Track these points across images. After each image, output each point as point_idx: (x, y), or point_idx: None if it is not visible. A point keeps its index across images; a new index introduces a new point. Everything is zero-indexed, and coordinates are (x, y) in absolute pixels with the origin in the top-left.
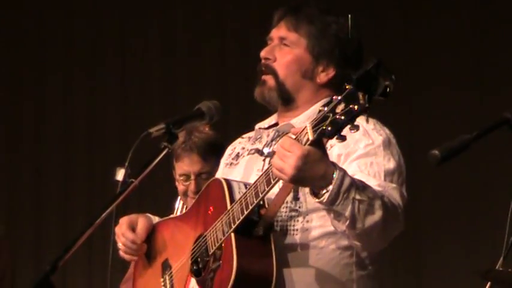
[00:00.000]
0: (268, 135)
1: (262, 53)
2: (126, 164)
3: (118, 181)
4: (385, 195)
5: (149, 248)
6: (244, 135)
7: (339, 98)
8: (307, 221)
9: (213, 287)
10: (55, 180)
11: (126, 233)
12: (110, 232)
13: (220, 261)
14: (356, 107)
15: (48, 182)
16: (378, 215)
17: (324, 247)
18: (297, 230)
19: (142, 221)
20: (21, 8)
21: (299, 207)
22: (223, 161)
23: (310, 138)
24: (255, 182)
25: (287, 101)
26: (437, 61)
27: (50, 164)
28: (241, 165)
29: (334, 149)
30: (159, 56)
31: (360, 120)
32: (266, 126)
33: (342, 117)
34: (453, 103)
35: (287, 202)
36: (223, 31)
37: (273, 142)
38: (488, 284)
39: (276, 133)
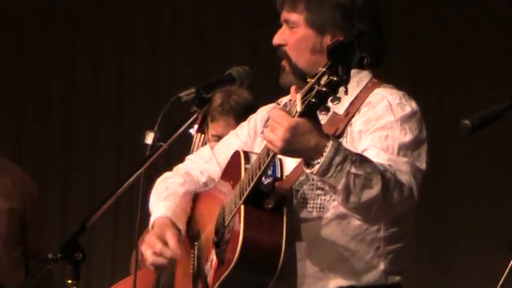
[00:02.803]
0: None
1: (274, 41)
2: (156, 127)
3: (147, 144)
4: (390, 170)
5: (188, 222)
6: (278, 101)
7: (323, 69)
8: (334, 200)
9: (225, 258)
10: (84, 143)
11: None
12: (137, 195)
13: (231, 234)
14: (335, 78)
15: (77, 145)
16: (375, 189)
17: (350, 222)
18: (323, 208)
19: (171, 236)
20: None
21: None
22: (260, 125)
23: (298, 110)
24: (259, 154)
25: (305, 80)
26: (470, 32)
27: (79, 127)
28: None
29: (355, 125)
30: (189, 21)
31: (386, 94)
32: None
33: (324, 89)
34: (486, 73)
35: (313, 180)
36: None
37: None
38: None
39: None
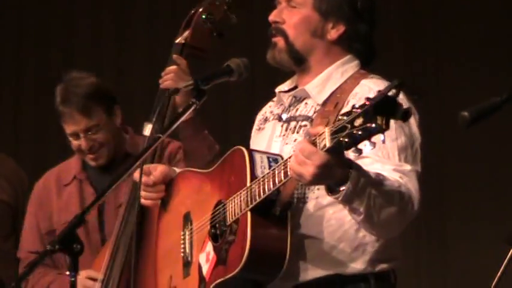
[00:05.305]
0: (287, 100)
1: (271, 17)
2: (154, 119)
3: (146, 136)
4: (403, 185)
5: (171, 196)
6: (274, 99)
7: (359, 111)
8: (318, 189)
9: (227, 259)
10: None
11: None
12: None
13: (235, 237)
14: (373, 125)
15: None
16: (394, 207)
17: (336, 212)
18: (307, 198)
19: (160, 166)
20: None
21: None
22: (254, 127)
23: (328, 145)
24: (273, 169)
25: (299, 61)
26: (468, 25)
27: None
28: (267, 130)
29: None
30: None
31: (374, 86)
32: (286, 89)
33: (359, 133)
34: (484, 65)
35: None
36: None
37: (291, 107)
38: None
39: (293, 99)
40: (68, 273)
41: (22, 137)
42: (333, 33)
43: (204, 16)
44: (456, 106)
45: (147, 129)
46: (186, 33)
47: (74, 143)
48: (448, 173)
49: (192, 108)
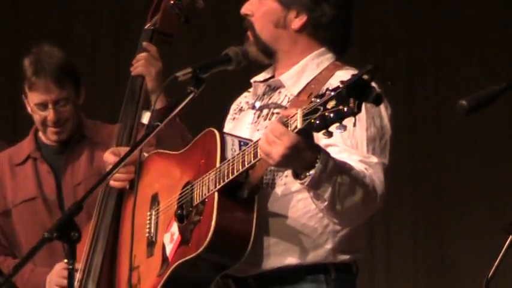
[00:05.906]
0: (261, 89)
1: (242, 9)
2: (152, 107)
3: (144, 124)
4: (368, 176)
5: (140, 178)
6: (250, 89)
7: (332, 93)
8: (286, 176)
9: (191, 239)
10: None
11: (109, 158)
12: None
13: (201, 217)
14: (345, 109)
15: None
16: (358, 197)
17: (301, 200)
18: (275, 184)
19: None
20: None
21: None
22: (228, 116)
23: (299, 126)
24: (243, 150)
25: (268, 54)
26: (468, 23)
27: None
28: (241, 119)
29: None
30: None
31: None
32: (261, 79)
33: (331, 115)
34: (483, 66)
35: None
36: None
37: (265, 96)
38: (510, 237)
39: (267, 88)
40: (34, 265)
41: (21, 137)
42: (296, 23)
43: (172, 1)
44: (454, 100)
45: (145, 117)
46: (155, 19)
47: (40, 114)
48: (447, 173)
49: (191, 96)
